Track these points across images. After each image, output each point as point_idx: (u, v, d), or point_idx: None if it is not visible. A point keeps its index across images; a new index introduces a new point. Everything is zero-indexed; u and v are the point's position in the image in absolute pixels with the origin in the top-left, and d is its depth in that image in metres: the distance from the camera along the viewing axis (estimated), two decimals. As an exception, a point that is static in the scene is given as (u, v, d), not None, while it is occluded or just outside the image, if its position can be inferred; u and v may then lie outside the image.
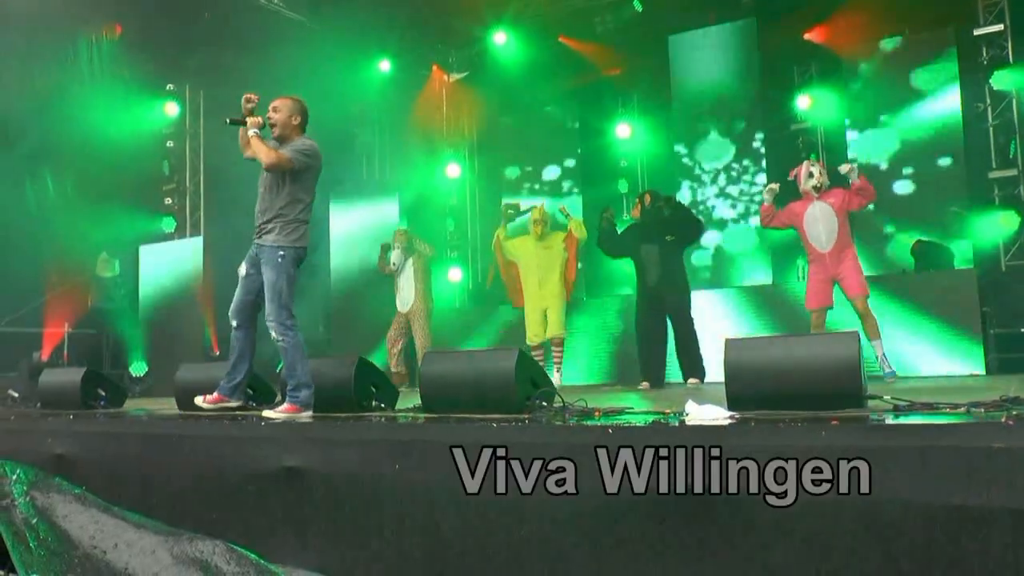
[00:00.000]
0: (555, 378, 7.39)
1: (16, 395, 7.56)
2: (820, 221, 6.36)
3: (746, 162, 9.94)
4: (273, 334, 4.25)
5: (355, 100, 11.07)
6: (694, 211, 8.96)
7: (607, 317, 8.78)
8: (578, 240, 7.77)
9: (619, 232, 7.32)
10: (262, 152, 4.27)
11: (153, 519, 2.76)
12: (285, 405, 4.26)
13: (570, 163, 11.20)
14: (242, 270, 4.51)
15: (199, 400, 4.54)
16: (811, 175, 6.45)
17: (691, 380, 6.65)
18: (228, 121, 4.47)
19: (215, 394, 4.54)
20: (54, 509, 2.21)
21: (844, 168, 6.47)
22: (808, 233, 6.46)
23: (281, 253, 4.23)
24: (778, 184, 6.74)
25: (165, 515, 3.65)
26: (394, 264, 8.20)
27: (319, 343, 10.78)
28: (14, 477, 2.24)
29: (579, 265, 8.24)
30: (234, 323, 4.50)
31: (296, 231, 4.30)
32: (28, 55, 9.33)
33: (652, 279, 6.86)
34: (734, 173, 9.99)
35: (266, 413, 4.21)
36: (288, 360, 4.28)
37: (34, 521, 2.10)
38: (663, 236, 6.85)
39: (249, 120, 4.41)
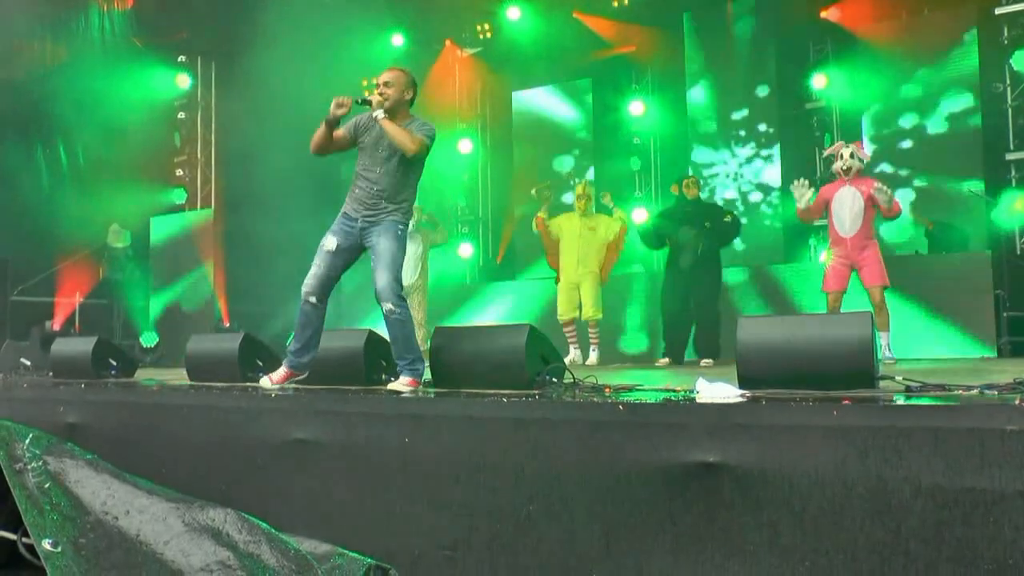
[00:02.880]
0: (592, 358, 7.40)
1: (28, 363, 7.62)
2: (847, 206, 6.14)
3: (760, 141, 9.86)
4: (389, 305, 4.00)
5: (367, 74, 11.01)
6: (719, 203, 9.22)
7: (625, 295, 8.77)
8: (625, 230, 7.68)
9: (659, 215, 7.66)
10: (406, 140, 4.02)
11: (164, 487, 2.79)
12: (408, 379, 4.01)
13: (583, 140, 11.14)
14: (331, 244, 4.18)
15: (265, 381, 4.26)
16: (841, 157, 6.24)
17: (704, 361, 6.71)
18: (359, 101, 4.09)
19: (283, 371, 4.26)
20: (66, 474, 2.23)
21: (873, 189, 6.21)
22: (834, 215, 6.23)
23: (401, 227, 4.15)
24: (809, 192, 6.50)
25: (175, 484, 3.67)
26: None
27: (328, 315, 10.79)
28: (27, 441, 2.25)
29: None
30: (313, 299, 4.17)
31: (411, 208, 4.26)
32: (40, 25, 9.31)
33: (685, 263, 7.05)
34: (748, 152, 9.92)
35: (391, 387, 4.00)
36: (405, 332, 4.07)
37: (47, 486, 2.12)
38: (703, 223, 7.07)
39: (375, 101, 4.09)
